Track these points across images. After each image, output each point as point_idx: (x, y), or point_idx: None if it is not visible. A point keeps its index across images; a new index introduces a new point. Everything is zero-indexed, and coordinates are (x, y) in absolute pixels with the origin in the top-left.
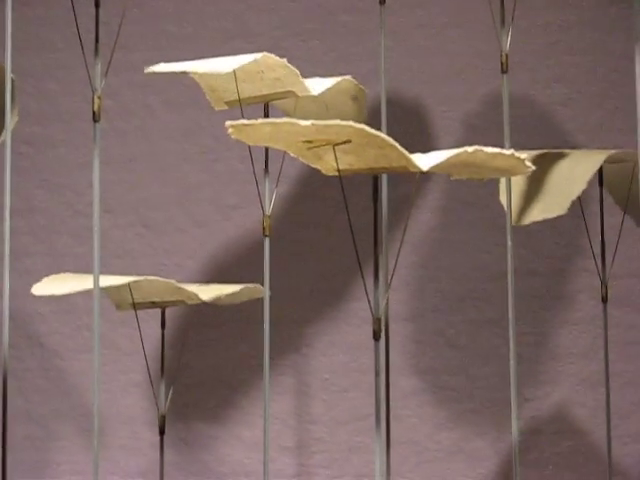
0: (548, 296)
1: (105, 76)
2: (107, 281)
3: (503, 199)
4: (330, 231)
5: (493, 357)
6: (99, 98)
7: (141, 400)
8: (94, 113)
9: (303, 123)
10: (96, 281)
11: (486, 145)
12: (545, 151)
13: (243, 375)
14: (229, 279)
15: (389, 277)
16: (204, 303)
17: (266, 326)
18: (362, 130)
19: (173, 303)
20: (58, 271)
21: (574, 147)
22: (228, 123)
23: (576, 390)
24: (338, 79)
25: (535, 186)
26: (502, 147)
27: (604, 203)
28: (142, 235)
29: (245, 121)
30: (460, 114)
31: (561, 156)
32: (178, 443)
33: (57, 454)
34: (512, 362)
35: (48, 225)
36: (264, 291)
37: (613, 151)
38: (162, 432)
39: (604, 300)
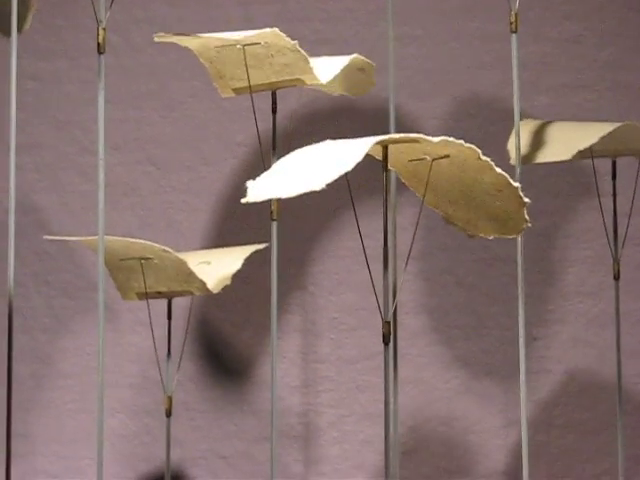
0: (557, 235)
1: (110, 8)
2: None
3: (511, 145)
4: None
5: (502, 296)
6: (103, 30)
7: (148, 338)
8: (98, 45)
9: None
10: (101, 224)
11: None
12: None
13: (250, 314)
14: (237, 217)
15: (398, 281)
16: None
17: (273, 268)
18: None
19: (180, 293)
20: (64, 208)
21: (584, 85)
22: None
23: (585, 329)
24: (346, 60)
25: (545, 134)
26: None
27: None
28: (149, 173)
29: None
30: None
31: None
32: (186, 383)
33: (63, 393)
34: (520, 301)
35: (54, 162)
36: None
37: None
38: (169, 414)
39: (616, 277)
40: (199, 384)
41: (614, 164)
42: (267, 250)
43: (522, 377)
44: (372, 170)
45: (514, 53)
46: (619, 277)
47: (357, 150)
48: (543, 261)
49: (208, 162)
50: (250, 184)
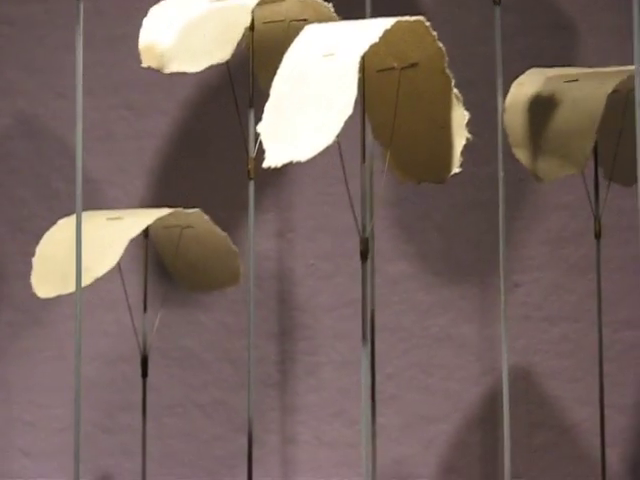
0: None
1: None
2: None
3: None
4: None
5: (481, 242)
6: None
7: (123, 285)
8: None
9: None
10: (78, 171)
11: None
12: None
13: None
14: (212, 162)
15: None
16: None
17: (250, 222)
18: None
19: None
20: (38, 155)
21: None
22: None
23: (566, 276)
24: None
25: (546, 138)
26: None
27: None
28: (125, 117)
29: None
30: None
31: (559, 91)
32: (161, 329)
33: (40, 340)
34: (501, 247)
35: (29, 108)
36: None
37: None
38: (145, 375)
39: (597, 236)
40: (175, 331)
41: None
42: (244, 201)
43: (503, 324)
44: None
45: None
46: (600, 235)
47: (348, 83)
48: (524, 206)
49: (184, 106)
50: (267, 148)
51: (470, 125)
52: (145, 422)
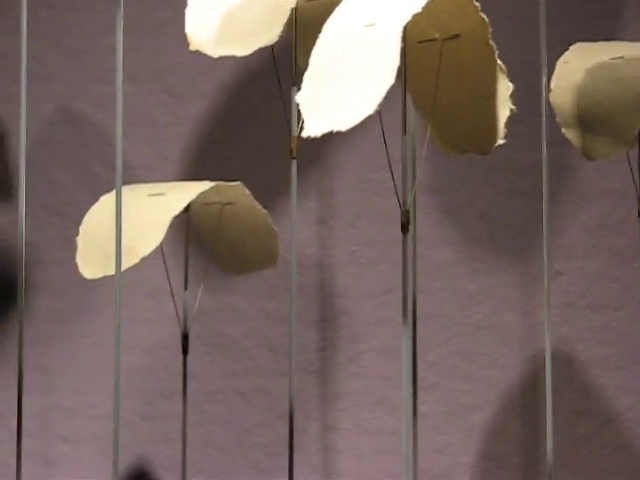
0: (582, 167)
1: None
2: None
3: (567, 133)
4: None
5: (524, 229)
6: None
7: (165, 271)
8: None
9: None
10: (118, 152)
11: None
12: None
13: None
14: (253, 147)
15: (417, 167)
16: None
17: (293, 206)
18: None
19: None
20: (78, 140)
21: None
22: None
23: (609, 264)
24: None
25: (594, 116)
26: None
27: None
28: (165, 103)
29: None
30: None
31: (605, 68)
32: (202, 316)
33: (79, 327)
34: (545, 235)
35: (68, 92)
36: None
37: None
38: (185, 352)
39: None
40: (216, 318)
41: None
42: (286, 185)
43: (546, 312)
44: None
45: None
46: None
47: (391, 52)
48: (567, 194)
49: (225, 91)
50: (306, 116)
51: (513, 104)
52: (186, 401)
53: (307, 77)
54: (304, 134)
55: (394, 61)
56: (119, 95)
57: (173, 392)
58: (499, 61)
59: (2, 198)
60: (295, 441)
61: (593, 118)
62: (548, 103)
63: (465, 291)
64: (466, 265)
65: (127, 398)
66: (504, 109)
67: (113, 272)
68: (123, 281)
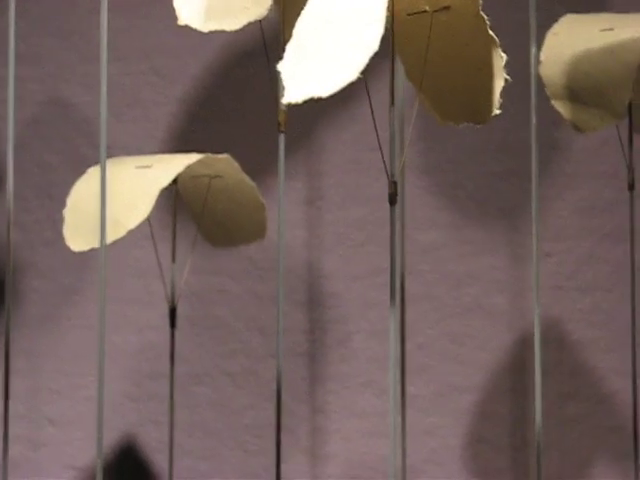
0: (572, 148)
1: None
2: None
3: (556, 105)
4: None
5: (514, 210)
6: None
7: (152, 253)
8: None
9: None
10: (103, 134)
11: None
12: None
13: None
14: (243, 127)
15: (406, 138)
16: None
17: (281, 183)
18: None
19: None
20: (66, 121)
21: None
22: None
23: (599, 245)
24: None
25: (584, 88)
26: None
27: None
28: (154, 83)
29: None
30: None
31: (594, 39)
32: (190, 297)
33: (67, 308)
34: (534, 216)
35: (56, 73)
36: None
37: None
38: (173, 325)
39: (630, 188)
40: (204, 300)
41: None
42: (274, 163)
43: (535, 294)
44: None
45: None
46: (633, 187)
47: (375, 19)
48: (557, 174)
49: (214, 72)
50: (286, 83)
51: (503, 92)
52: (173, 376)
53: (290, 47)
54: (284, 101)
55: (379, 28)
56: (103, 72)
57: (161, 374)
58: (491, 32)
59: None
60: (283, 423)
61: (582, 90)
62: (539, 80)
63: (454, 273)
64: (455, 247)
65: (115, 380)
66: (499, 80)
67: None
68: (110, 262)
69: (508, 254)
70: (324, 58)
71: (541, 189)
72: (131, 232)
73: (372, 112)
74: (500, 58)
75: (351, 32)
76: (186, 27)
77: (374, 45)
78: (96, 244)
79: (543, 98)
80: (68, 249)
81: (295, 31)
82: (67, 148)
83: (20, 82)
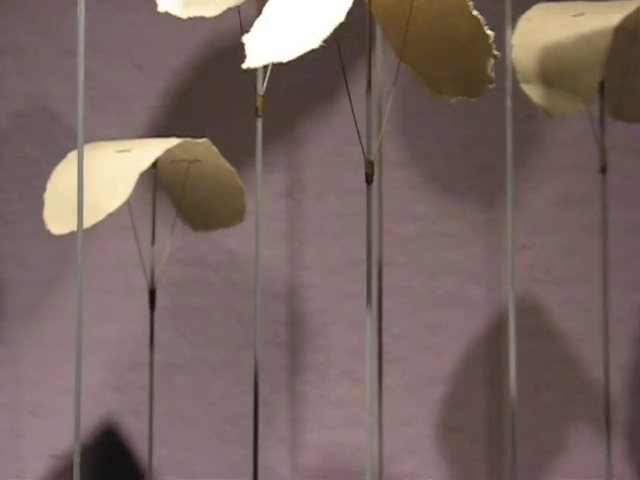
0: (546, 141)
1: None
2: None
3: (526, 88)
4: (322, 73)
5: (489, 203)
6: None
7: (132, 244)
8: None
9: None
10: (80, 123)
11: None
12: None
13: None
14: (223, 120)
15: (382, 119)
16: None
17: (258, 169)
18: None
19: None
20: (46, 114)
21: None
22: None
23: (573, 238)
24: None
25: (554, 72)
26: None
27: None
28: (135, 76)
29: None
30: None
31: (566, 26)
32: (169, 288)
33: (49, 298)
34: (509, 209)
35: (36, 66)
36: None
37: (618, 17)
38: (152, 308)
39: (602, 171)
40: (184, 290)
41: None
42: (253, 156)
43: (510, 286)
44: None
45: None
46: (606, 170)
47: None
48: (532, 168)
49: (193, 65)
50: (248, 48)
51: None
52: (152, 360)
53: (256, 23)
54: (244, 65)
55: (347, 2)
56: (80, 64)
57: (141, 364)
58: (475, 12)
59: None
60: (261, 413)
61: (553, 74)
62: (512, 81)
63: (430, 265)
64: (431, 239)
65: (95, 370)
66: (488, 56)
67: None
68: (90, 253)
69: (484, 246)
70: (289, 28)
71: (516, 182)
72: (111, 222)
73: (349, 95)
74: (487, 36)
75: (318, 6)
76: (165, 19)
77: (340, 16)
78: (76, 227)
79: (521, 93)
80: (49, 240)
81: (265, 8)
82: (48, 141)
83: (0, 75)
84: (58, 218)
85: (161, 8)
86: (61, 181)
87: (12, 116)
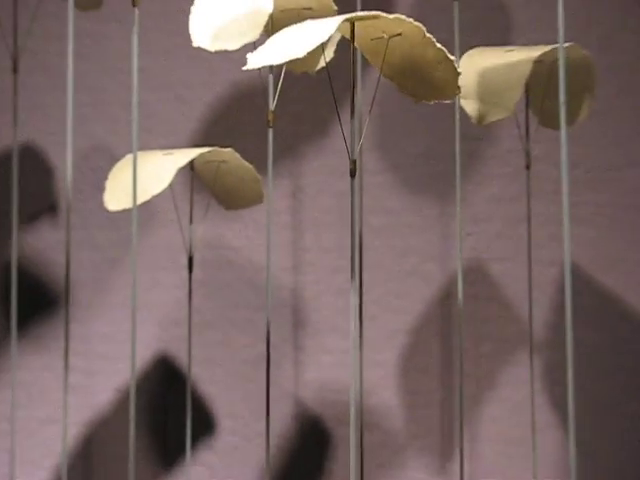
0: (484, 156)
1: None
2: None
3: (464, 103)
4: (318, 104)
5: (443, 201)
6: None
7: (176, 233)
8: None
9: None
10: (135, 136)
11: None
12: (483, 49)
13: (246, 212)
14: (243, 142)
15: (363, 123)
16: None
17: (269, 173)
18: None
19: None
20: (111, 133)
21: None
22: None
23: (505, 227)
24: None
25: (486, 90)
26: None
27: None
28: (178, 107)
29: None
30: None
31: (498, 58)
32: (203, 265)
33: (115, 272)
34: (458, 205)
35: (107, 100)
36: (268, 178)
37: (537, 53)
38: (190, 270)
39: (527, 167)
40: (214, 267)
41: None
42: (264, 162)
43: (458, 262)
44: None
45: None
46: (530, 167)
47: (329, 25)
48: (474, 175)
49: (221, 98)
50: (249, 55)
51: (434, 115)
52: (190, 316)
53: (263, 47)
54: (244, 68)
55: (330, 30)
56: (134, 96)
57: (182, 321)
58: (438, 45)
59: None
60: (272, 357)
61: (485, 92)
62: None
63: (398, 247)
64: (399, 228)
65: (150, 325)
66: (454, 73)
67: (130, 205)
68: (142, 237)
69: (438, 233)
70: (283, 43)
71: (463, 185)
72: (160, 214)
73: (335, 104)
74: (451, 60)
75: (310, 33)
76: (200, 64)
77: (324, 37)
78: (127, 205)
79: (465, 120)
80: (115, 230)
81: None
82: (114, 160)
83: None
84: (114, 199)
85: (195, 43)
86: (118, 173)
87: (88, 137)
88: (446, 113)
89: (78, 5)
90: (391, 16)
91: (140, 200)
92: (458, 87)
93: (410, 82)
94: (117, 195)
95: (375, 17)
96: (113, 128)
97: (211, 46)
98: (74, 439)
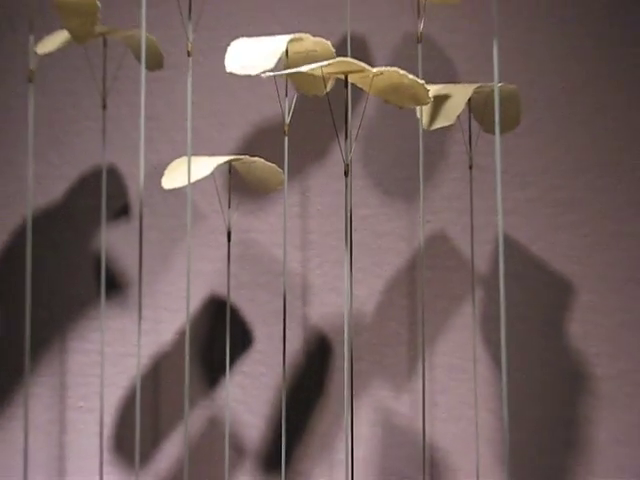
0: (440, 165)
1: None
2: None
3: (420, 112)
4: (320, 126)
5: (410, 198)
6: None
7: (219, 220)
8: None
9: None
10: (189, 146)
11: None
12: (441, 86)
13: (267, 202)
14: (267, 153)
15: (355, 131)
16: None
17: (285, 177)
18: None
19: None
20: (165, 153)
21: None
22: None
23: (455, 217)
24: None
25: (436, 105)
26: None
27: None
28: (219, 130)
29: None
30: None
31: (450, 92)
32: (237, 245)
33: (176, 249)
34: (421, 202)
35: (160, 128)
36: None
37: (477, 85)
38: (229, 239)
39: (470, 167)
40: (245, 245)
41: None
42: (279, 165)
43: (421, 241)
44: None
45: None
46: (472, 167)
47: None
48: (432, 179)
49: (251, 123)
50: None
51: (403, 136)
52: (229, 279)
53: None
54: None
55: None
56: (189, 125)
57: (222, 284)
58: (413, 77)
59: None
60: (287, 310)
61: (435, 105)
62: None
63: (377, 231)
64: (378, 217)
65: (200, 289)
66: (425, 91)
67: (184, 184)
68: (194, 224)
69: (407, 221)
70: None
71: (425, 188)
72: (206, 204)
73: (332, 117)
74: (422, 85)
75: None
76: (235, 98)
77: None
78: (181, 184)
79: (427, 139)
80: (174, 217)
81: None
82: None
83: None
84: (169, 180)
85: (228, 69)
86: (174, 165)
87: (155, 153)
88: (412, 134)
89: (147, 67)
90: (374, 69)
91: (191, 180)
92: (429, 97)
93: (393, 97)
94: (171, 177)
95: (361, 70)
96: (173, 147)
97: (240, 71)
98: (145, 367)
